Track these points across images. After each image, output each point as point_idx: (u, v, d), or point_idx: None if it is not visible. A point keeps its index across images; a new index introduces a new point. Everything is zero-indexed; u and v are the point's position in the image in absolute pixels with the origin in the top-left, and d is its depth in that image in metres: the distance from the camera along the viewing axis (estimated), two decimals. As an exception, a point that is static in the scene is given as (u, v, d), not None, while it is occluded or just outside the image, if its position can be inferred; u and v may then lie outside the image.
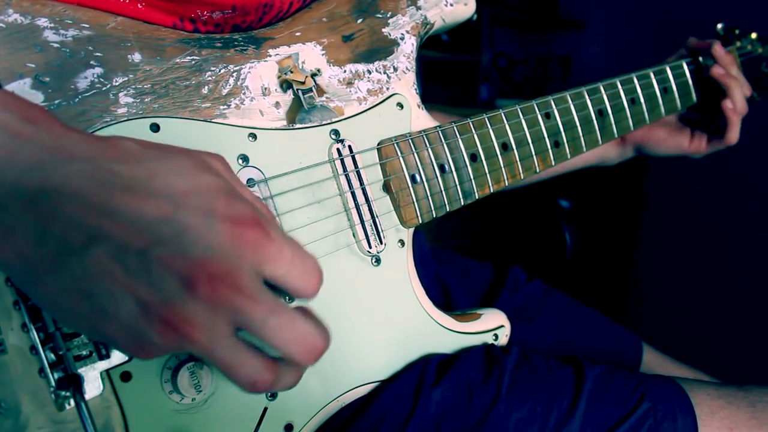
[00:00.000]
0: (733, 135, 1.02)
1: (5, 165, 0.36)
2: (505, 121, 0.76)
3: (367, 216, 0.66)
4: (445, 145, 0.71)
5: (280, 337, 0.40)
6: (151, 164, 0.39)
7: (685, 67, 1.01)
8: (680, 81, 1.00)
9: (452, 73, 3.31)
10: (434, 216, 0.70)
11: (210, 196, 0.39)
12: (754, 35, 1.18)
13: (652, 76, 0.96)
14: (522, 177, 0.77)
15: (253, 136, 0.60)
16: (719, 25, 1.17)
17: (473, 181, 0.73)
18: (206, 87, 0.58)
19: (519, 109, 0.77)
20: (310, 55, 0.65)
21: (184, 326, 0.37)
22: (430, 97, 0.73)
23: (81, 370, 0.49)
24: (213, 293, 0.37)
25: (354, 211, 0.65)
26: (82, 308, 0.37)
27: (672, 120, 1.07)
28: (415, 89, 0.72)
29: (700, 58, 1.03)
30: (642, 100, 0.94)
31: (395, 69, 0.70)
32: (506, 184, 0.76)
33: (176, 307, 0.37)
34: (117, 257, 0.36)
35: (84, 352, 0.50)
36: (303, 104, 0.63)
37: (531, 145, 0.78)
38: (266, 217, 0.41)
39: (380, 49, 0.70)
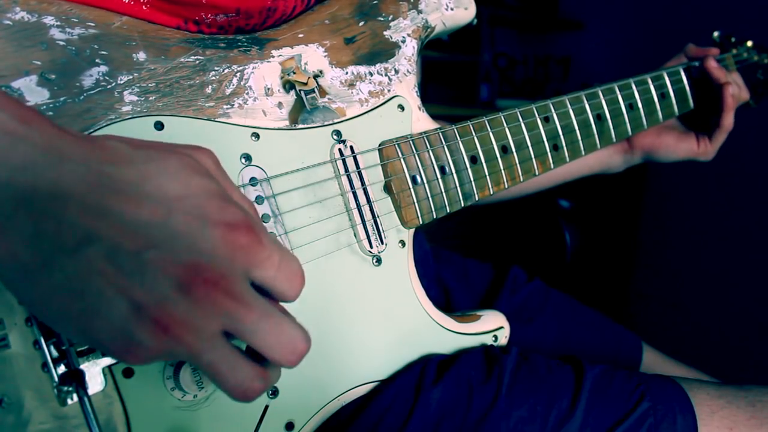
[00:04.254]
0: (729, 120, 1.02)
1: None
2: (505, 124, 0.76)
3: (368, 216, 0.66)
4: (445, 146, 0.71)
5: (269, 342, 0.40)
6: (143, 166, 0.39)
7: (683, 73, 1.02)
8: (677, 87, 1.01)
9: (452, 73, 3.31)
10: (435, 217, 0.71)
11: (202, 200, 0.39)
12: (750, 43, 1.19)
13: (649, 81, 0.96)
14: (522, 179, 0.78)
15: (256, 135, 0.60)
16: (716, 33, 1.18)
17: (473, 183, 0.73)
18: (210, 86, 0.58)
19: (518, 113, 0.78)
20: (313, 56, 0.66)
21: (176, 328, 0.37)
22: (430, 97, 0.73)
23: (84, 366, 0.49)
24: (207, 297, 0.37)
25: (355, 211, 0.65)
26: (73, 309, 0.37)
27: (678, 125, 1.08)
28: (416, 92, 0.73)
29: (695, 64, 1.04)
30: (639, 105, 0.94)
31: (396, 71, 0.71)
32: (506, 186, 0.76)
33: (169, 308, 0.37)
34: (110, 257, 0.36)
35: (87, 348, 0.50)
36: (305, 105, 0.64)
37: (530, 149, 0.79)
38: (256, 221, 0.42)
39: (382, 52, 0.70)
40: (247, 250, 0.39)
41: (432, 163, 0.71)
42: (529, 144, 0.78)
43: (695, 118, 1.06)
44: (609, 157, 1.08)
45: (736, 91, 1.02)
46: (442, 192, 0.71)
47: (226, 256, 0.38)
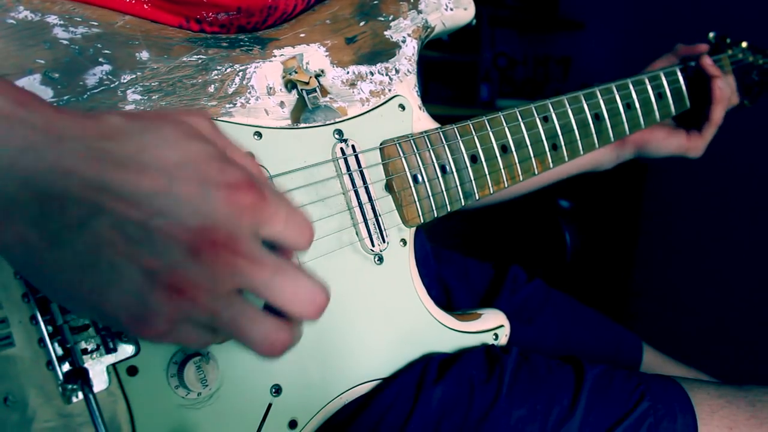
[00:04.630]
0: (719, 113, 1.03)
1: None
2: (505, 124, 0.76)
3: (369, 215, 0.66)
4: (446, 146, 0.72)
5: (287, 296, 0.40)
6: (139, 138, 0.39)
7: (679, 73, 1.03)
8: (674, 87, 1.02)
9: (452, 73, 3.32)
10: (435, 216, 0.71)
11: (202, 164, 0.39)
12: (744, 44, 1.19)
13: (647, 81, 0.97)
14: (521, 178, 0.78)
15: (258, 134, 0.61)
16: (711, 34, 1.18)
17: (474, 182, 0.74)
18: (212, 86, 0.59)
19: (518, 112, 0.78)
20: (314, 56, 0.66)
21: (190, 289, 0.38)
22: (430, 97, 0.73)
23: (88, 364, 0.50)
24: (217, 258, 0.38)
25: (357, 210, 0.66)
26: (85, 284, 0.38)
27: (669, 122, 1.09)
28: (417, 91, 0.73)
29: (692, 64, 1.05)
30: (637, 105, 0.95)
31: (397, 71, 0.71)
32: (506, 185, 0.77)
33: (181, 271, 0.37)
34: (118, 229, 0.37)
35: (91, 346, 0.50)
36: (307, 104, 0.64)
37: (529, 148, 0.79)
38: (258, 178, 0.42)
39: (382, 52, 0.70)
40: (252, 209, 0.39)
41: (433, 161, 0.71)
42: (528, 143, 0.79)
43: (687, 117, 1.07)
44: (601, 154, 1.08)
45: (724, 85, 1.03)
46: (443, 191, 0.71)
47: (232, 217, 0.39)
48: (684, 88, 1.04)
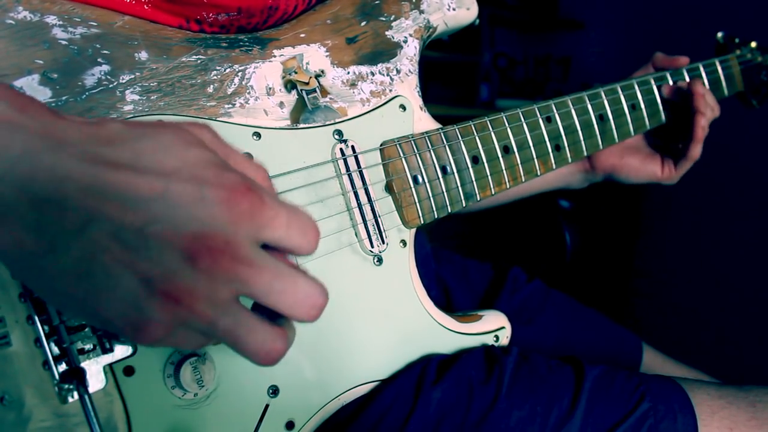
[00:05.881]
0: (697, 151, 0.98)
1: None
2: (507, 124, 0.76)
3: (369, 216, 0.66)
4: (447, 146, 0.72)
5: (287, 300, 0.40)
6: (137, 144, 0.39)
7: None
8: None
9: (452, 73, 3.32)
10: (436, 217, 0.71)
11: (199, 169, 0.39)
12: (753, 44, 1.18)
13: (652, 82, 0.96)
14: (523, 179, 0.78)
15: (257, 135, 0.60)
16: (719, 34, 1.17)
17: (475, 183, 0.73)
18: (211, 86, 0.58)
19: (520, 113, 0.78)
20: (315, 56, 0.66)
21: (187, 297, 0.37)
22: (430, 97, 0.73)
23: (84, 364, 0.50)
24: (214, 265, 0.37)
25: (356, 211, 0.65)
26: (81, 289, 0.38)
27: (643, 146, 1.05)
28: (418, 91, 0.73)
29: (668, 75, 1.00)
30: (642, 105, 0.94)
31: (398, 71, 0.71)
32: (507, 186, 0.76)
33: (177, 279, 0.37)
34: (114, 236, 0.37)
35: (88, 346, 0.50)
36: (307, 104, 0.64)
37: (532, 149, 0.79)
38: (257, 183, 0.41)
39: (383, 52, 0.70)
40: (250, 213, 0.39)
41: (433, 162, 0.71)
42: (531, 144, 0.78)
43: (666, 134, 1.03)
44: (570, 175, 1.06)
45: (710, 115, 0.98)
46: (443, 192, 0.71)
47: (229, 222, 0.38)
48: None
